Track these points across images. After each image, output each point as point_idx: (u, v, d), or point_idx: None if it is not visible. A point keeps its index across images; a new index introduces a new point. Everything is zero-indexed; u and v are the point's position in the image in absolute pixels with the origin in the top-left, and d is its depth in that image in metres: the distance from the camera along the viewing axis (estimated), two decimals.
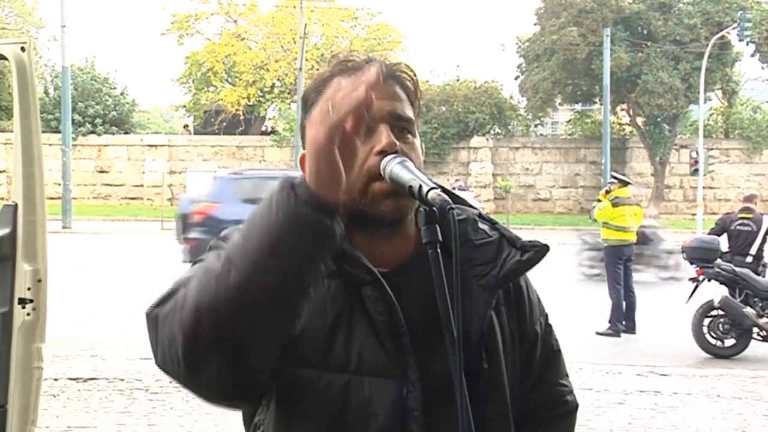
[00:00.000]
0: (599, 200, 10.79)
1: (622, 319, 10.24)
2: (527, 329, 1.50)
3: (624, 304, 10.29)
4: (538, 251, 1.44)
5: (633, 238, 10.51)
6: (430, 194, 1.24)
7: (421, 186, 1.25)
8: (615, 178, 10.90)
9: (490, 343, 1.42)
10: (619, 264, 10.36)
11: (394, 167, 1.31)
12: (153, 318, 1.24)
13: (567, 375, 1.59)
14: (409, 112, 1.42)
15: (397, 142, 1.35)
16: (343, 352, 1.34)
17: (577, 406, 1.58)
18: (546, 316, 1.57)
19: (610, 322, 10.27)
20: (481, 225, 1.47)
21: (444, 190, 1.45)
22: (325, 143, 1.12)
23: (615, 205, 10.32)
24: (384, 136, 1.35)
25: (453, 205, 1.23)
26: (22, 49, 3.33)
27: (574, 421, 1.58)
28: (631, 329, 10.27)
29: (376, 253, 1.40)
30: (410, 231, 1.41)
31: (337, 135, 1.12)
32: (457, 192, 1.54)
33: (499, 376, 1.42)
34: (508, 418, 1.44)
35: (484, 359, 1.40)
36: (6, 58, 3.34)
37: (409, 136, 1.40)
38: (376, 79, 1.11)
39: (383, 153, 1.34)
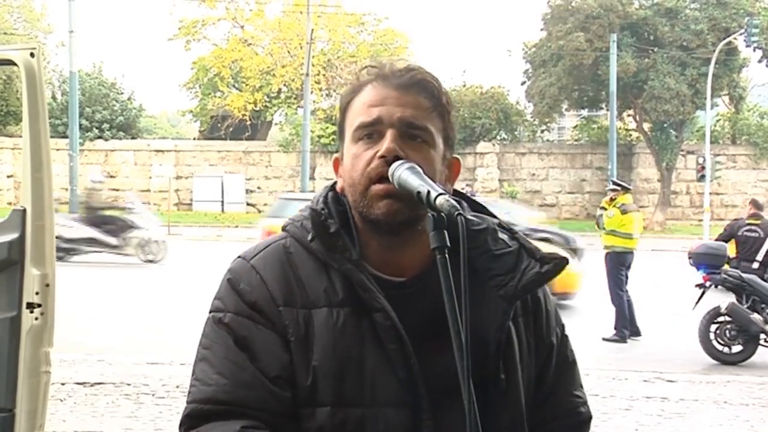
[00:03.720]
0: (603, 208, 10.75)
1: (628, 325, 10.22)
2: (543, 340, 1.50)
3: (615, 307, 10.29)
4: (557, 264, 1.44)
5: (636, 245, 10.52)
6: (438, 200, 1.24)
7: (429, 191, 1.26)
8: (618, 184, 10.88)
9: (508, 354, 1.42)
10: (622, 270, 10.35)
11: (403, 173, 1.31)
12: None
13: (581, 386, 1.58)
14: (427, 122, 1.40)
15: (401, 149, 1.36)
16: (357, 385, 1.35)
17: (590, 417, 1.57)
18: (562, 327, 1.57)
19: (615, 328, 10.25)
20: (500, 235, 1.45)
21: (464, 197, 1.48)
22: None
23: (624, 212, 10.32)
24: (386, 141, 1.36)
25: (461, 211, 1.23)
26: (32, 54, 3.34)
27: (587, 431, 1.57)
28: (636, 333, 10.26)
29: (390, 260, 1.41)
30: (425, 239, 1.38)
31: None
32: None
33: (515, 386, 1.43)
34: (523, 428, 1.45)
35: (502, 370, 1.40)
36: (15, 64, 3.35)
37: (423, 144, 1.40)
38: None
39: (383, 158, 1.35)
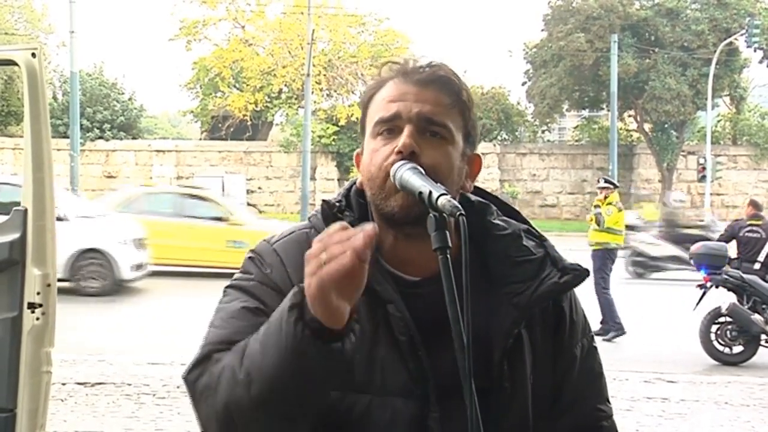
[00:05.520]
0: (597, 206, 10.78)
1: (618, 318, 10.19)
2: (564, 350, 1.48)
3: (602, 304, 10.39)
4: (577, 275, 1.42)
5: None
6: (440, 200, 1.23)
7: (431, 192, 1.25)
8: (609, 182, 11.00)
9: (516, 362, 1.41)
10: (610, 266, 10.46)
11: (404, 173, 1.31)
12: (190, 386, 1.33)
13: (608, 400, 1.55)
14: (446, 118, 1.40)
15: (419, 144, 1.36)
16: (366, 372, 1.35)
17: (615, 431, 1.54)
18: (590, 338, 1.54)
19: (605, 322, 10.27)
20: (525, 242, 1.44)
21: (495, 199, 1.48)
22: (315, 295, 1.14)
23: (619, 209, 10.53)
24: (404, 136, 1.37)
25: (463, 212, 1.23)
26: (33, 55, 3.34)
27: None
28: (608, 331, 10.29)
29: (406, 258, 1.41)
30: None
31: (327, 287, 1.13)
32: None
33: (521, 395, 1.41)
34: None
35: (506, 377, 1.39)
36: (17, 64, 3.36)
37: (442, 141, 1.40)
38: (362, 247, 1.12)
39: (400, 153, 1.36)
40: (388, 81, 1.44)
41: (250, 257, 1.46)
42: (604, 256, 10.45)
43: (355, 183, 1.50)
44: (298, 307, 1.17)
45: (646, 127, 34.40)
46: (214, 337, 1.36)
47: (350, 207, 1.45)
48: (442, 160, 1.38)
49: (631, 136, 36.85)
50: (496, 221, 1.46)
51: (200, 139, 39.72)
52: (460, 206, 1.23)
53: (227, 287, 1.45)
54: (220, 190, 33.58)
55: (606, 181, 11.04)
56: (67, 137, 27.44)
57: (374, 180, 1.39)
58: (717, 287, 9.46)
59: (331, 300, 1.14)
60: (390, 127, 1.39)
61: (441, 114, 1.40)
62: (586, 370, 1.51)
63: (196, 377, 1.32)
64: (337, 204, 1.45)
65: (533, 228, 1.49)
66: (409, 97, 1.40)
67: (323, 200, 1.46)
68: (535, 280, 1.41)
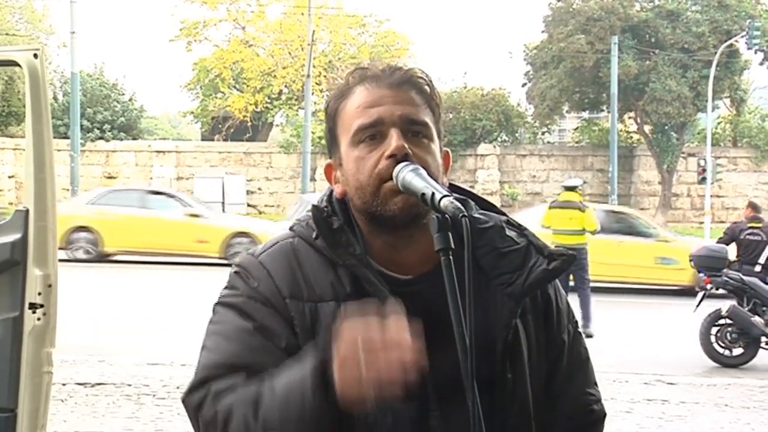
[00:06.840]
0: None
1: None
2: (554, 337, 1.50)
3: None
4: (565, 260, 1.44)
5: (569, 242, 10.29)
6: (443, 201, 1.24)
7: (433, 193, 1.26)
8: (564, 186, 11.32)
9: (515, 353, 1.42)
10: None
11: (407, 175, 1.32)
12: (190, 412, 1.37)
13: (595, 384, 1.58)
14: (425, 117, 1.42)
15: (407, 146, 1.36)
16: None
17: (604, 415, 1.57)
18: (575, 324, 1.56)
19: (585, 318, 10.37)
20: (508, 232, 1.45)
21: (471, 194, 1.48)
22: (357, 393, 1.18)
23: (549, 207, 10.66)
24: (394, 140, 1.36)
25: (466, 213, 1.23)
26: (35, 55, 3.35)
27: (601, 429, 1.57)
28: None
29: (397, 259, 1.41)
30: (431, 236, 1.40)
31: (370, 393, 1.17)
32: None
33: (522, 385, 1.42)
34: (530, 426, 1.45)
35: (508, 368, 1.40)
36: (19, 65, 3.36)
37: (425, 140, 1.41)
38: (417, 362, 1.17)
39: (393, 157, 1.35)
40: (356, 87, 1.43)
41: (236, 272, 1.46)
42: None
43: (332, 190, 1.49)
44: (324, 387, 1.21)
45: (647, 128, 34.36)
46: (209, 361, 1.37)
47: (335, 212, 1.45)
48: (430, 160, 1.39)
49: (631, 137, 36.81)
50: (477, 215, 1.47)
51: (212, 139, 39.58)
52: (462, 207, 1.23)
53: (216, 305, 1.45)
54: (220, 191, 33.69)
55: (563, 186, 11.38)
56: (68, 138, 27.48)
57: (365, 188, 1.38)
58: (717, 289, 9.47)
59: (369, 396, 1.18)
60: (373, 133, 1.39)
61: (420, 113, 1.41)
62: (574, 356, 1.53)
63: (197, 405, 1.34)
64: (326, 209, 1.45)
65: (512, 219, 1.51)
66: (387, 100, 1.39)
67: (314, 205, 1.46)
68: (523, 269, 1.42)
